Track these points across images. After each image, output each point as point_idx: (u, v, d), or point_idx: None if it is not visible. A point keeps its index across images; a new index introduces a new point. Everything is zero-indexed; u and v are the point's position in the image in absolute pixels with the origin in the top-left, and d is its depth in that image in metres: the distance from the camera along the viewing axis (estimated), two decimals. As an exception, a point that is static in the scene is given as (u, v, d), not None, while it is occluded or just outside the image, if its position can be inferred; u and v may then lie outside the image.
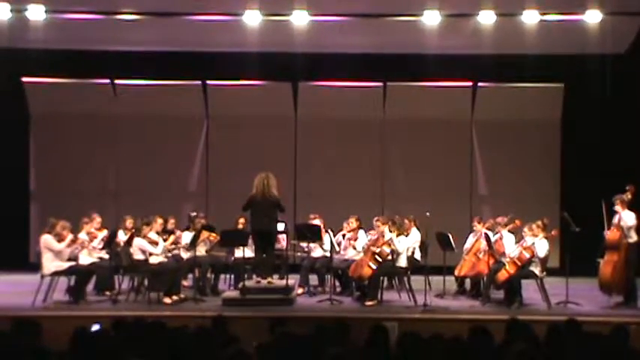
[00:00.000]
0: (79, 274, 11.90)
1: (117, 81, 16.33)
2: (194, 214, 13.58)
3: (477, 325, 6.60)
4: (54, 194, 16.15)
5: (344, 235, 13.56)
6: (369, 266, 11.96)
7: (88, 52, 15.81)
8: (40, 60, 15.41)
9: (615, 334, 6.73)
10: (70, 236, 11.91)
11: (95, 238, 12.62)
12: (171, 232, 13.01)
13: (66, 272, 11.81)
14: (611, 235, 11.77)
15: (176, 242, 12.81)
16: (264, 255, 12.24)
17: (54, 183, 16.41)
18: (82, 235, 12.43)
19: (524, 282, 11.90)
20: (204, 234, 12.98)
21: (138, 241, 12.11)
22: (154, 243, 12.17)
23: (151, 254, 12.08)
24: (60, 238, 11.77)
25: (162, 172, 16.36)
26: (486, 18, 14.40)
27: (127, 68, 15.93)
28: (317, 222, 13.42)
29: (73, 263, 11.91)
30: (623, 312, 11.37)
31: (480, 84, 16.16)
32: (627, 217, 11.64)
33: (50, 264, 11.68)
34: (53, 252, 11.70)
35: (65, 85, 16.22)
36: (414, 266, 12.76)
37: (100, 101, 16.27)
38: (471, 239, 13.37)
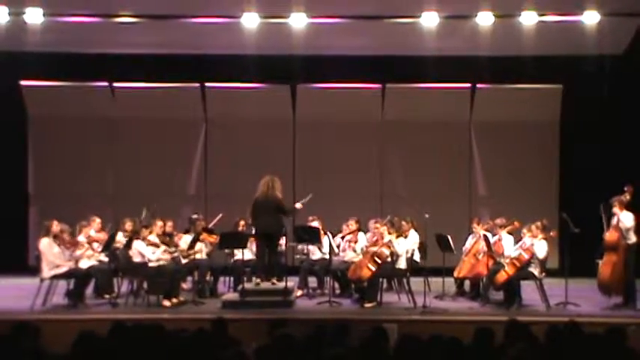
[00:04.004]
0: (78, 277, 11.88)
1: (115, 84, 16.33)
2: (195, 216, 13.60)
3: (482, 327, 6.60)
4: (52, 197, 16.10)
5: (343, 237, 13.56)
6: (368, 268, 11.95)
7: (86, 54, 15.81)
8: (38, 63, 15.41)
9: (612, 335, 6.73)
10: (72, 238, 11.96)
11: (96, 241, 12.62)
12: (170, 235, 13.00)
13: (65, 276, 11.79)
14: (609, 236, 11.77)
15: (176, 245, 12.81)
16: (268, 256, 12.25)
17: (52, 186, 16.38)
18: (81, 239, 12.43)
19: (523, 283, 11.90)
20: (204, 236, 12.98)
21: (137, 244, 12.12)
22: (154, 245, 12.17)
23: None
24: (58, 242, 11.75)
25: (160, 174, 16.34)
26: (484, 19, 14.41)
27: (125, 71, 15.92)
28: (315, 224, 13.43)
29: (72, 266, 11.88)
30: (622, 313, 11.38)
31: (478, 85, 16.16)
32: (626, 219, 11.63)
33: (49, 267, 11.68)
34: (52, 255, 11.70)
35: (63, 88, 16.20)
36: (413, 268, 12.77)
37: (99, 104, 16.28)
38: (470, 241, 13.37)
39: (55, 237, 11.77)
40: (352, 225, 13.50)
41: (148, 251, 12.07)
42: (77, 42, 15.42)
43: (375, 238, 12.59)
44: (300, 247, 13.80)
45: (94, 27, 14.93)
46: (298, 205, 12.52)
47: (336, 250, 13.31)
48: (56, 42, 15.27)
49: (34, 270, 12.31)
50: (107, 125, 16.49)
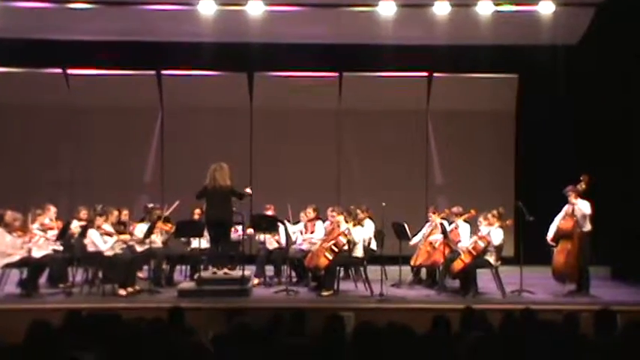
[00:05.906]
0: (32, 266, 11.72)
1: (69, 70, 16.11)
2: (151, 205, 13.49)
3: (439, 315, 6.64)
4: (5, 185, 15.82)
5: (306, 226, 13.54)
6: (326, 256, 11.95)
7: (39, 41, 15.54)
8: (-11, 49, 15.17)
9: (566, 322, 6.81)
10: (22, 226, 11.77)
11: (50, 229, 12.46)
12: (125, 224, 12.89)
13: (18, 264, 11.64)
14: (564, 224, 11.89)
15: (131, 234, 12.71)
16: (219, 246, 12.19)
17: (5, 174, 16.10)
18: (35, 227, 12.27)
19: (479, 271, 12.00)
20: (159, 225, 12.89)
21: (91, 233, 11.99)
22: (108, 234, 12.05)
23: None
24: (10, 230, 11.59)
25: (116, 162, 16.18)
26: (441, 9, 14.46)
27: (79, 58, 15.69)
28: (270, 213, 13.44)
29: (25, 255, 11.70)
30: (576, 300, 11.52)
31: (435, 74, 16.22)
32: (583, 206, 11.76)
33: (1, 257, 11.51)
34: (3, 245, 11.53)
35: (16, 75, 15.94)
36: (370, 256, 12.80)
37: (52, 91, 16.04)
38: (425, 229, 13.43)
39: (7, 225, 11.59)
40: (310, 213, 13.50)
41: (100, 241, 11.93)
42: (30, 28, 15.16)
43: (332, 227, 12.58)
44: (257, 237, 13.74)
45: (48, 13, 14.72)
46: (248, 190, 12.42)
47: (292, 238, 13.29)
48: (8, 27, 14.99)
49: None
50: (61, 112, 16.25)
